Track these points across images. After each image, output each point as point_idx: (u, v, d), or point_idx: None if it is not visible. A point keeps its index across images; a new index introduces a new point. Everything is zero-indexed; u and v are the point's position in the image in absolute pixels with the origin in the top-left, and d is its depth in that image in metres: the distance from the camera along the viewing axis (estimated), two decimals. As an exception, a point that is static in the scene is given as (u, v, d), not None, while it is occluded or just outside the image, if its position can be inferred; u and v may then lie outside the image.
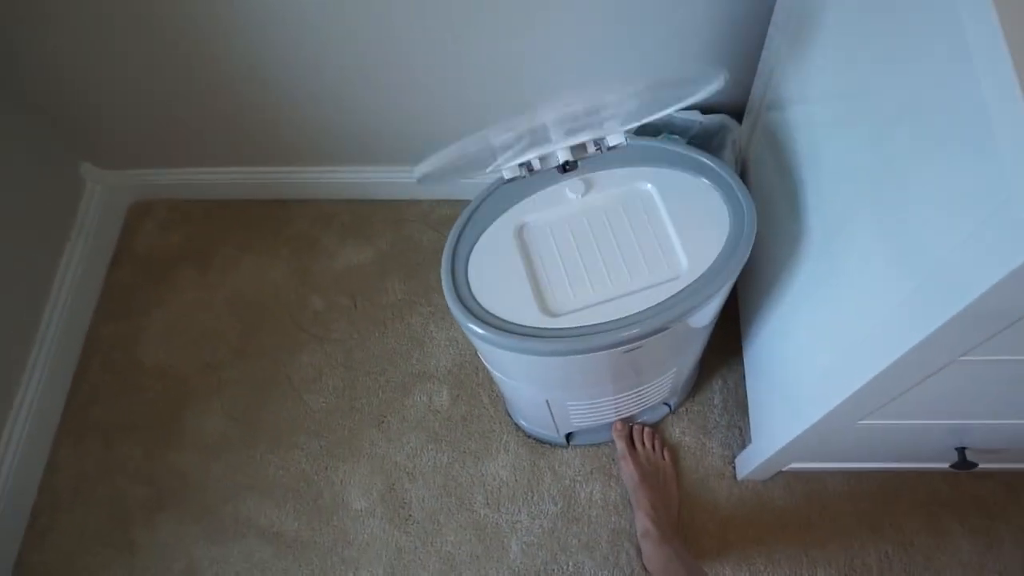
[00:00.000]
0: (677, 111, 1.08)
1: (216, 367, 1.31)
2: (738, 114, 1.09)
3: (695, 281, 0.71)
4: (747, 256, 0.71)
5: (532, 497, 1.16)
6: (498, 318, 0.72)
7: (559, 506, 1.15)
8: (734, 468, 1.15)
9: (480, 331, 0.72)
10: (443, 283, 0.74)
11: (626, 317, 0.70)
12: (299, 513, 1.19)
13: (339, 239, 1.41)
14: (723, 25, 0.99)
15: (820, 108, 0.78)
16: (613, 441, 1.17)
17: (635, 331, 0.70)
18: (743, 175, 1.08)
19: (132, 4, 0.99)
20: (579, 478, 1.17)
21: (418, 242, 1.38)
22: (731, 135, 1.07)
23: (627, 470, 1.12)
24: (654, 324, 0.70)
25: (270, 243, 1.42)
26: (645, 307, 0.71)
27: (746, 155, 1.08)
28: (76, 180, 1.37)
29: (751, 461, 1.06)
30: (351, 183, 1.39)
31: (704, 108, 1.09)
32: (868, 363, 0.60)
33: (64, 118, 1.26)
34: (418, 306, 1.33)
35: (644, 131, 1.12)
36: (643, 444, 1.15)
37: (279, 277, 1.38)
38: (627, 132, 0.82)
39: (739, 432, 1.17)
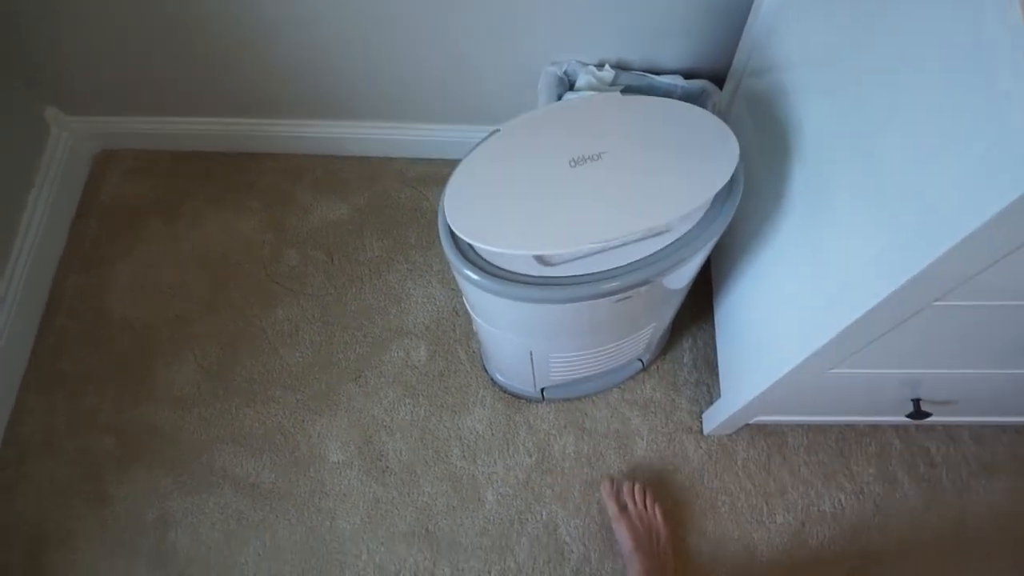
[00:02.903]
0: (658, 76, 1.11)
1: (186, 320, 1.30)
2: (718, 79, 1.12)
3: (683, 236, 0.74)
4: (735, 209, 0.75)
5: (508, 449, 1.20)
6: (494, 266, 0.74)
7: (534, 458, 1.19)
8: (701, 423, 1.20)
9: (476, 277, 0.73)
10: (440, 228, 0.75)
11: (618, 268, 0.73)
12: (275, 465, 1.20)
13: (312, 194, 1.39)
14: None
15: (803, 71, 0.81)
16: (586, 396, 1.21)
17: (625, 281, 0.73)
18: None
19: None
20: (553, 431, 1.20)
21: (395, 199, 1.38)
22: (711, 99, 1.10)
23: (620, 534, 1.10)
24: (644, 275, 0.73)
25: (240, 196, 1.40)
26: (635, 258, 0.73)
27: (726, 119, 1.11)
28: (41, 126, 1.33)
29: (718, 415, 1.11)
30: (323, 138, 1.38)
31: (686, 73, 1.12)
32: (844, 312, 0.65)
33: (28, 60, 1.21)
34: (395, 263, 1.33)
35: (630, 94, 1.14)
36: (634, 503, 1.12)
37: (250, 230, 1.37)
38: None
39: (707, 389, 1.22)
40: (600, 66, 1.12)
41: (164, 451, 1.21)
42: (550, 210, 0.71)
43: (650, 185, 0.72)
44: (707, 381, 1.23)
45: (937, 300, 0.59)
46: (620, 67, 1.14)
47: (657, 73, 1.12)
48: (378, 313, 1.30)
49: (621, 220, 0.69)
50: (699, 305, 1.25)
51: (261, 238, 1.36)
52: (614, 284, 0.73)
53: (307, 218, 1.37)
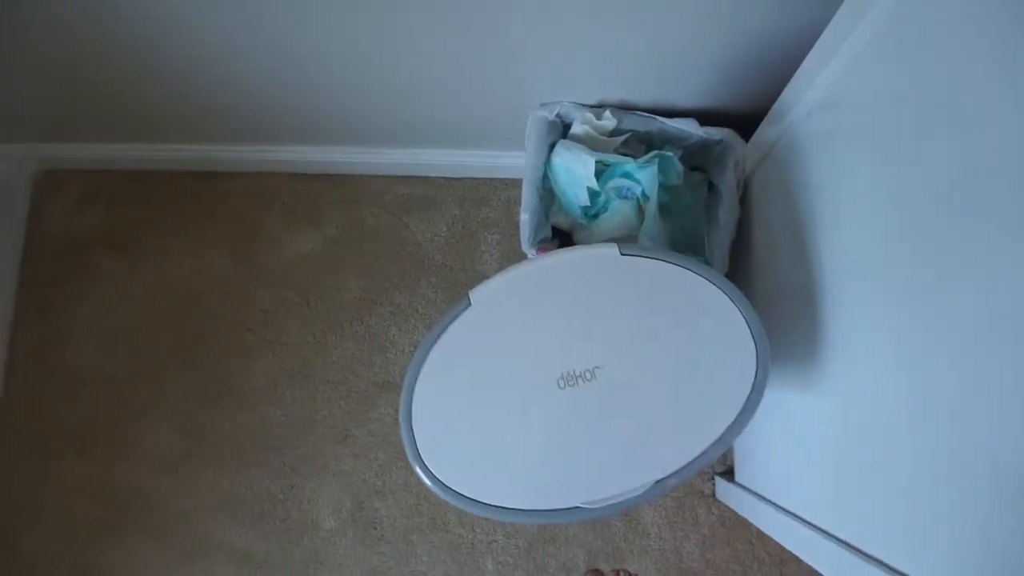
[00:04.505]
0: (672, 123, 0.92)
1: (156, 373, 1.20)
2: (744, 125, 0.92)
3: (689, 463, 0.61)
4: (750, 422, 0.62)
5: (507, 516, 1.13)
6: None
7: (535, 525, 1.13)
8: (714, 485, 1.12)
9: (447, 499, 0.62)
10: (404, 442, 0.63)
11: (615, 502, 0.61)
12: (267, 534, 1.15)
13: (283, 223, 1.24)
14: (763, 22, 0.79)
15: (883, 148, 0.62)
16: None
17: (616, 509, 0.61)
18: (743, 198, 0.94)
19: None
20: (555, 496, 1.13)
21: (373, 228, 1.23)
22: (733, 154, 0.91)
23: None
24: (643, 498, 0.61)
25: (203, 226, 1.24)
26: (636, 485, 0.61)
27: (750, 181, 0.93)
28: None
29: (732, 498, 1.02)
30: (293, 160, 1.20)
31: (702, 115, 0.92)
32: (888, 542, 0.54)
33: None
34: (377, 306, 1.20)
35: (636, 140, 0.95)
36: None
37: (216, 268, 1.23)
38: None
39: (721, 449, 1.13)
40: (599, 109, 0.92)
41: (149, 518, 1.16)
42: (536, 454, 0.59)
43: (651, 426, 0.59)
44: (721, 440, 1.13)
45: None
46: (623, 107, 0.94)
47: (668, 115, 0.92)
48: (362, 364, 1.19)
49: (615, 477, 0.57)
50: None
51: (228, 276, 1.22)
52: (605, 509, 0.62)
53: (277, 253, 1.23)
